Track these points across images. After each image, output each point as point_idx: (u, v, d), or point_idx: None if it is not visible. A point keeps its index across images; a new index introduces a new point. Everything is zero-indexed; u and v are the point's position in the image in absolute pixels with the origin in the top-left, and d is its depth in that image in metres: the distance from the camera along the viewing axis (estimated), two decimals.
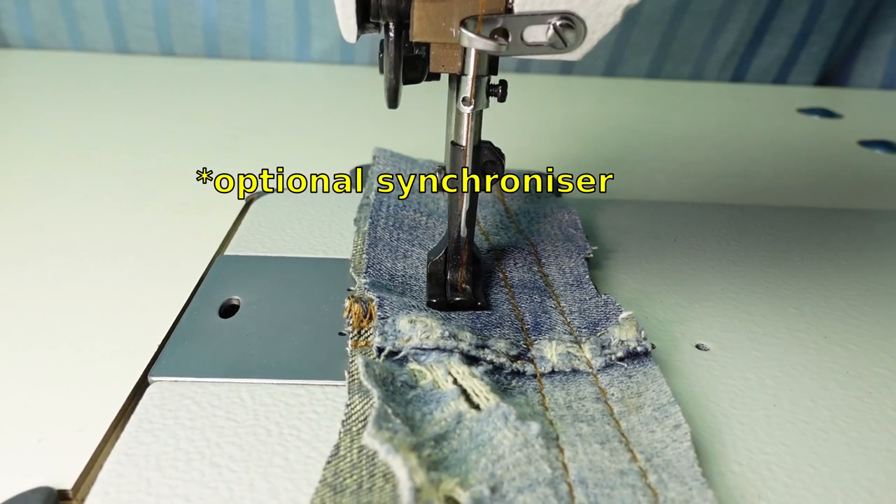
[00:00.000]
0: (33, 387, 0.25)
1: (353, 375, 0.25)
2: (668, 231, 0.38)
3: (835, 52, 0.78)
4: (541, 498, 0.20)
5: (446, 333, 0.25)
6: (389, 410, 0.22)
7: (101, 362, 0.27)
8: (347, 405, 0.24)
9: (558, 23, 0.23)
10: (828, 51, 0.77)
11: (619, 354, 0.26)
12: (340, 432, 0.22)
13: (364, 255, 0.32)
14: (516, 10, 0.23)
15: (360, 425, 0.23)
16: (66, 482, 0.21)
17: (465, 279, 0.29)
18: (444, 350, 0.25)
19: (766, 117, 0.66)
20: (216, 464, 0.22)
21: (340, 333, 0.28)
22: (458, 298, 0.29)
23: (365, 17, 0.25)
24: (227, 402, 0.24)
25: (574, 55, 0.24)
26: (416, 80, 0.27)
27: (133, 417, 0.24)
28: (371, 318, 0.27)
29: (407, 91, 0.26)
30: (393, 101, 0.26)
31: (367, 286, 0.29)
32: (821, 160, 0.54)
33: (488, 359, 0.26)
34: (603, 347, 0.27)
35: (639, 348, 0.26)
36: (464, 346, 0.25)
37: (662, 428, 0.23)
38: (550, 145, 0.53)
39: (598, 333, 0.27)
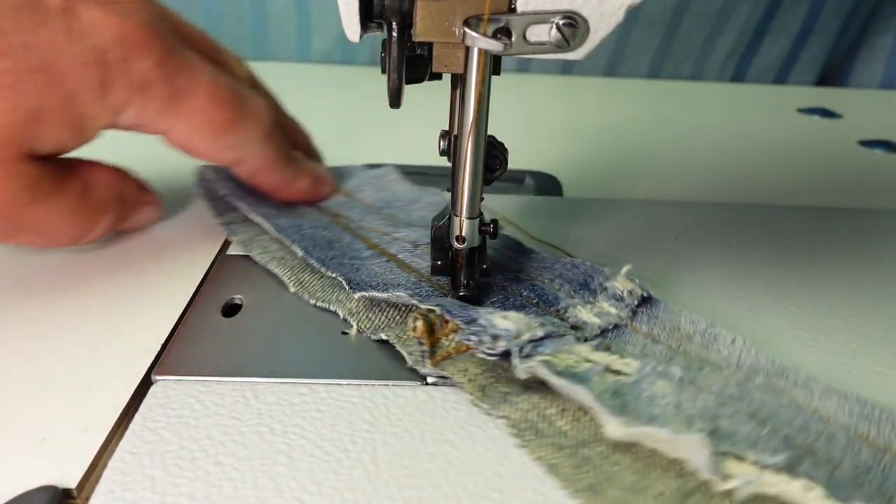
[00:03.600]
0: (37, 386, 0.25)
1: (485, 390, 0.24)
2: (668, 231, 0.38)
3: (835, 52, 0.78)
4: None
5: (535, 323, 0.25)
6: (606, 397, 0.22)
7: (105, 362, 0.27)
8: (500, 417, 0.23)
9: (561, 22, 0.23)
10: (828, 51, 0.78)
11: (636, 302, 0.27)
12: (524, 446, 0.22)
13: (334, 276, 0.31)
14: (519, 9, 0.23)
15: (532, 433, 0.22)
16: (71, 481, 0.21)
17: (470, 276, 0.29)
18: (555, 336, 0.25)
19: (766, 117, 0.66)
20: (220, 462, 0.22)
21: (343, 333, 0.28)
22: (462, 293, 0.29)
23: (368, 17, 0.25)
24: (230, 401, 0.24)
25: (576, 54, 0.24)
26: (419, 80, 0.27)
27: (137, 416, 0.24)
28: (433, 332, 0.26)
29: (409, 90, 0.26)
30: (395, 101, 0.26)
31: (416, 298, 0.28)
32: (821, 160, 0.54)
33: (577, 335, 0.26)
34: (617, 300, 0.28)
35: (644, 294, 0.28)
36: (553, 328, 0.25)
37: (723, 346, 0.25)
38: (550, 145, 0.53)
39: (604, 290, 0.28)
